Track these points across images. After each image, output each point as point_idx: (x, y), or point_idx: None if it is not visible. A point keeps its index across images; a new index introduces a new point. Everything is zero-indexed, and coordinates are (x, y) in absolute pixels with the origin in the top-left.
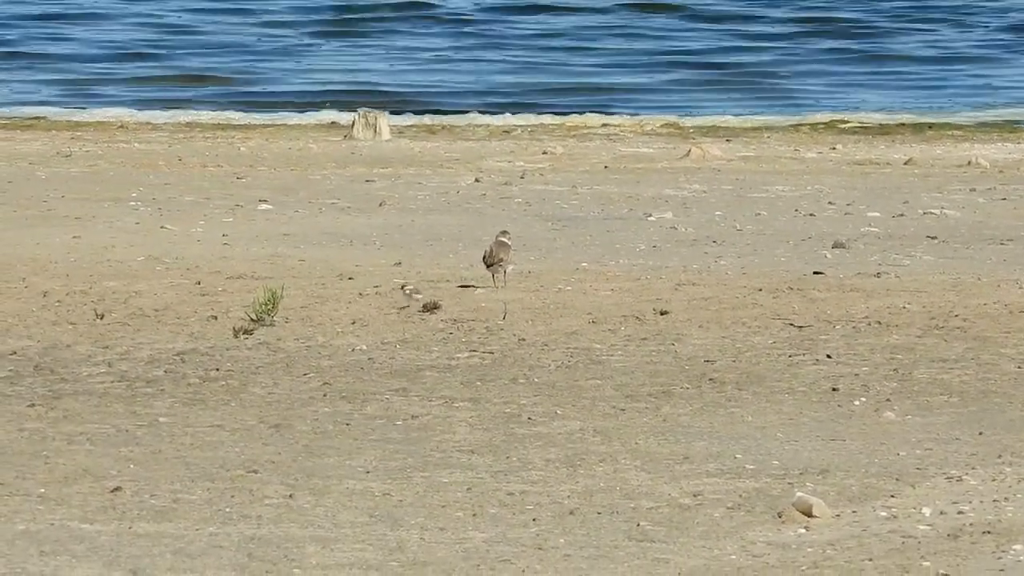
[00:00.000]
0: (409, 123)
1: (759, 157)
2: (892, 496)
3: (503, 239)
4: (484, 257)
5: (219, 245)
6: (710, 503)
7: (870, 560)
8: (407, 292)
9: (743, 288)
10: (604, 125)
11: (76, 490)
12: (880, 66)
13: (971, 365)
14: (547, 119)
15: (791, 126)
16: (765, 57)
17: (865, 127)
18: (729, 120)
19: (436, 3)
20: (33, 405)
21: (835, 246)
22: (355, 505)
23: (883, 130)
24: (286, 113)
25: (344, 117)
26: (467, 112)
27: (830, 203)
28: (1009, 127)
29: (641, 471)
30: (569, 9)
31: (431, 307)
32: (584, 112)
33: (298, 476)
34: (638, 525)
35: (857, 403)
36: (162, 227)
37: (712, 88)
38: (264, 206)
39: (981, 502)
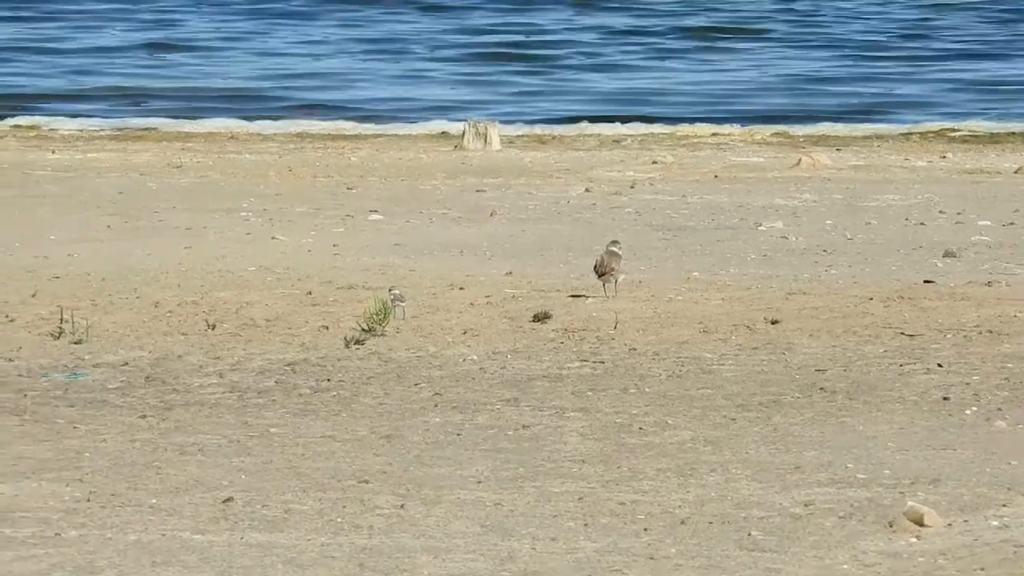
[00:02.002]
0: (519, 133)
1: (869, 166)
2: (1004, 505)
3: (614, 249)
4: (595, 267)
5: (330, 255)
6: (821, 512)
7: (982, 570)
8: (393, 297)
9: (854, 297)
10: (714, 134)
11: (188, 500)
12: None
13: None
14: (657, 128)
15: (901, 135)
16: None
17: (975, 136)
18: (839, 129)
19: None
20: (145, 416)
21: (946, 255)
22: (466, 515)
23: (993, 139)
24: (396, 123)
25: (454, 127)
26: (577, 121)
27: (940, 212)
28: None
29: (752, 481)
30: None
31: (542, 317)
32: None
33: (409, 486)
34: (749, 535)
35: (968, 412)
36: (273, 237)
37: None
38: (375, 216)
39: None
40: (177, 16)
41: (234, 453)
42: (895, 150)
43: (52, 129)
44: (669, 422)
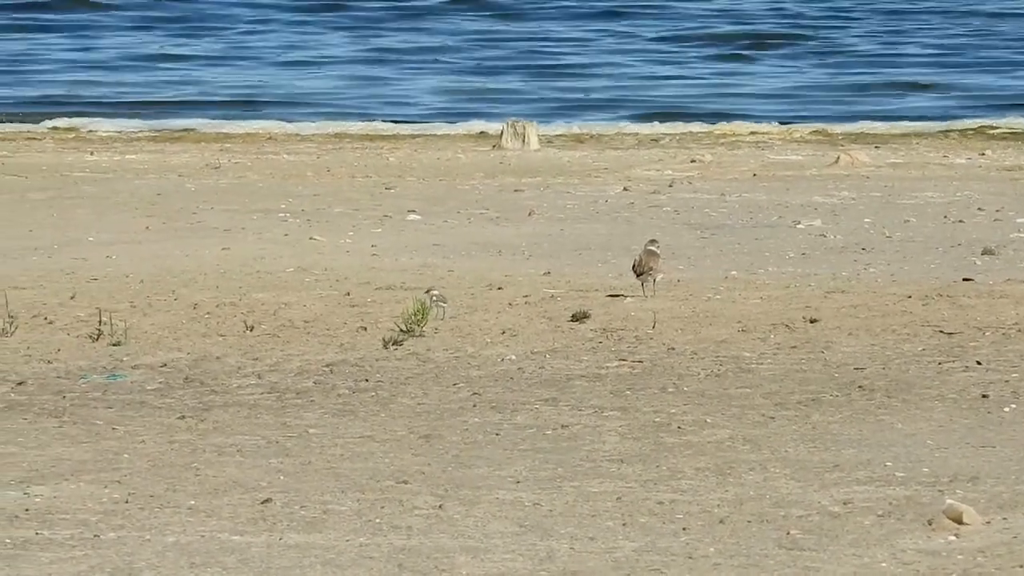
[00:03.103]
0: (557, 132)
1: (908, 163)
2: None
3: (652, 248)
4: (633, 266)
5: (368, 256)
6: (860, 511)
7: (1021, 567)
8: (434, 298)
9: (892, 295)
10: (752, 133)
11: (226, 501)
12: None
13: None
14: (695, 127)
15: (940, 132)
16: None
17: (1015, 133)
18: (877, 126)
19: None
20: (183, 417)
21: (984, 252)
22: (505, 515)
23: None
24: (434, 123)
25: (493, 127)
26: (615, 121)
27: (979, 209)
28: None
29: (791, 479)
30: None
31: (580, 316)
32: (731, 119)
33: (448, 486)
34: (788, 533)
35: (1007, 410)
36: (311, 238)
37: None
38: (413, 216)
39: None
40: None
41: (272, 454)
42: (934, 147)
43: (90, 131)
44: (708, 421)
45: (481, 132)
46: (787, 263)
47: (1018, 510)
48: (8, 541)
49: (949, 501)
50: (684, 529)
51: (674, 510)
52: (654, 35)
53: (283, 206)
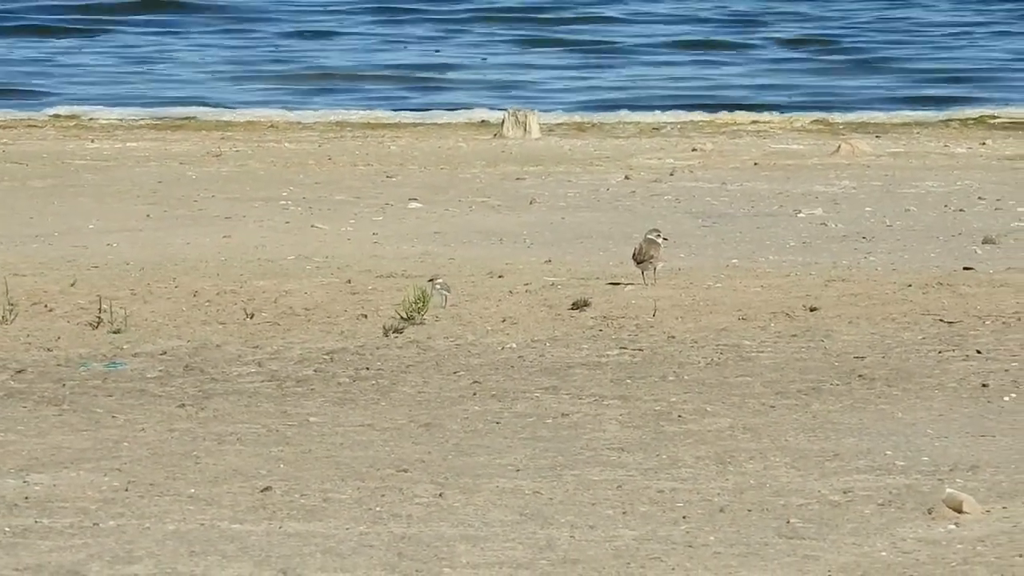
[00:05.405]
0: (559, 121)
1: (909, 153)
2: None
3: (653, 236)
4: (634, 254)
5: (369, 244)
6: (860, 500)
7: (1021, 556)
8: (438, 286)
9: (893, 284)
10: (754, 122)
11: (226, 490)
12: None
13: None
14: (697, 116)
15: (941, 121)
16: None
17: (1015, 122)
18: (878, 116)
19: None
20: (183, 405)
21: (985, 242)
22: (505, 504)
23: None
24: (436, 112)
25: (494, 115)
26: (617, 109)
27: (980, 199)
28: None
29: (791, 468)
30: None
31: (581, 305)
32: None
33: (448, 475)
34: (788, 522)
35: (1007, 399)
36: (312, 226)
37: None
38: (414, 204)
39: None
40: None
41: (272, 442)
42: (934, 137)
43: (91, 119)
44: (708, 409)
45: (482, 120)
46: (788, 252)
47: (1018, 499)
48: (7, 529)
49: (949, 490)
50: (684, 518)
51: (674, 499)
52: None
53: (284, 194)
